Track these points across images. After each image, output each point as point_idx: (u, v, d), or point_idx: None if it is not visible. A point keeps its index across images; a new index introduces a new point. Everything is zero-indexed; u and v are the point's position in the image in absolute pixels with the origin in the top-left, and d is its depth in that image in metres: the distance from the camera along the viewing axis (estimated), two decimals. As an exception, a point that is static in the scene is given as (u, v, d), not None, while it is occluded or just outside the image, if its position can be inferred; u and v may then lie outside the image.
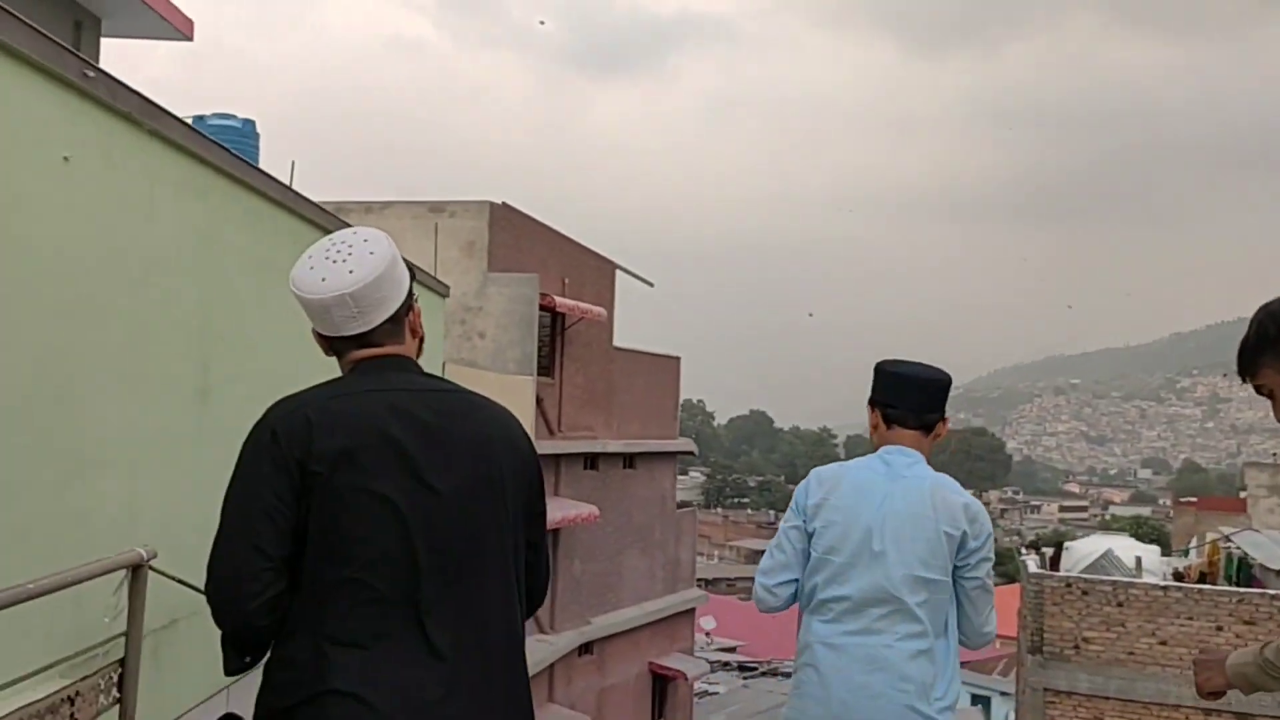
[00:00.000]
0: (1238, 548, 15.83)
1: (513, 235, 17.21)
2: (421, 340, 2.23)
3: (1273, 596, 13.30)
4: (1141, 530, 63.12)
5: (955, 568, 3.06)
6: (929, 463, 3.22)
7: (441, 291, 8.53)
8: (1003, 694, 26.63)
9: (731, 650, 39.58)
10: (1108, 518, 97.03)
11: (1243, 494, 53.00)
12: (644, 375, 22.44)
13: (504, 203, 17.17)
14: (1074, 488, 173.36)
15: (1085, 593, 14.66)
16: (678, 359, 24.55)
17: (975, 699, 28.00)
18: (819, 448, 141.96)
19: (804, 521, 3.13)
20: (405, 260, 2.20)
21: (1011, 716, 22.39)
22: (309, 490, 1.91)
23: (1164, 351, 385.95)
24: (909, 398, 3.25)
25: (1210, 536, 18.91)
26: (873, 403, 3.31)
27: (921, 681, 2.92)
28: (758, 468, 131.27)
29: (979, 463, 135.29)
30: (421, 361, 2.20)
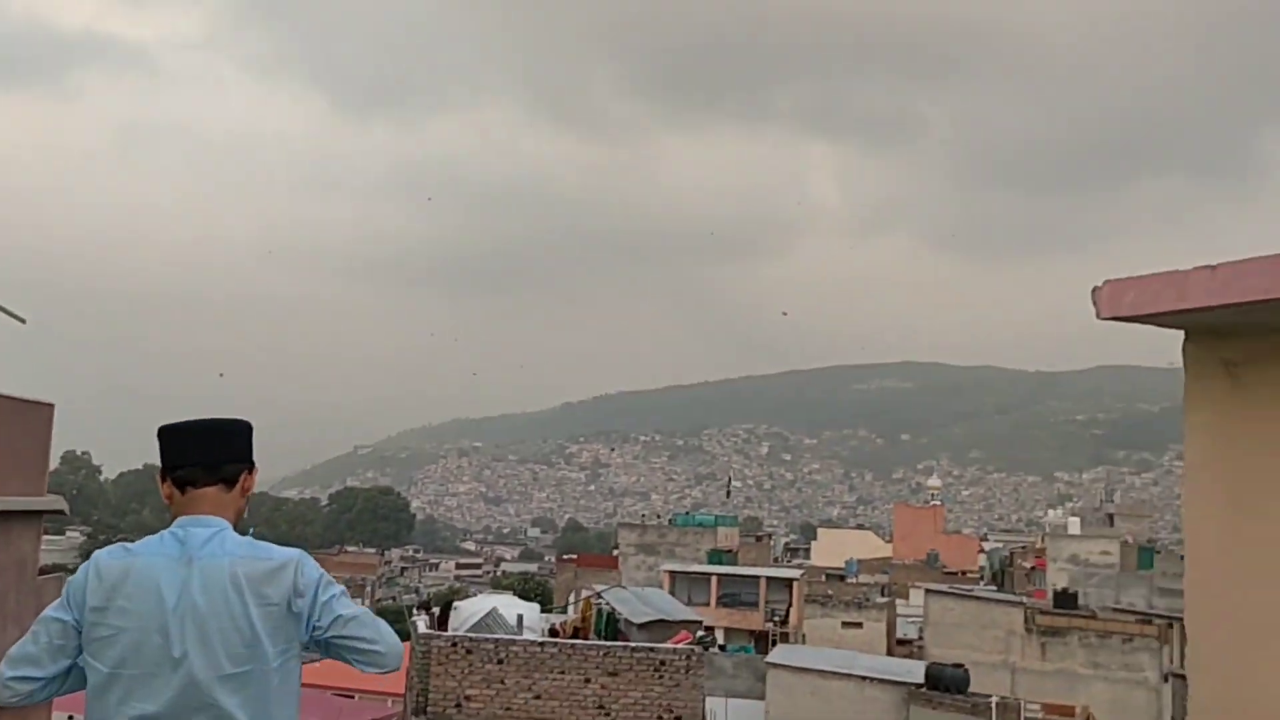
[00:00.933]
0: (607, 604, 17.28)
1: None
2: None
3: (633, 649, 14.65)
4: (528, 586, 67.49)
5: (309, 627, 2.76)
6: (240, 522, 2.87)
7: None
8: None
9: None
10: (499, 574, 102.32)
11: (615, 552, 59.02)
12: (2, 423, 19.59)
13: None
14: (470, 545, 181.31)
15: (469, 651, 15.10)
16: (50, 406, 21.79)
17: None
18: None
19: (76, 623, 2.70)
20: None
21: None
22: None
23: (556, 419, 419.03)
24: (194, 452, 2.86)
25: (585, 593, 20.51)
26: (162, 473, 2.89)
27: None
28: (148, 526, 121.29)
29: (384, 522, 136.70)
30: None
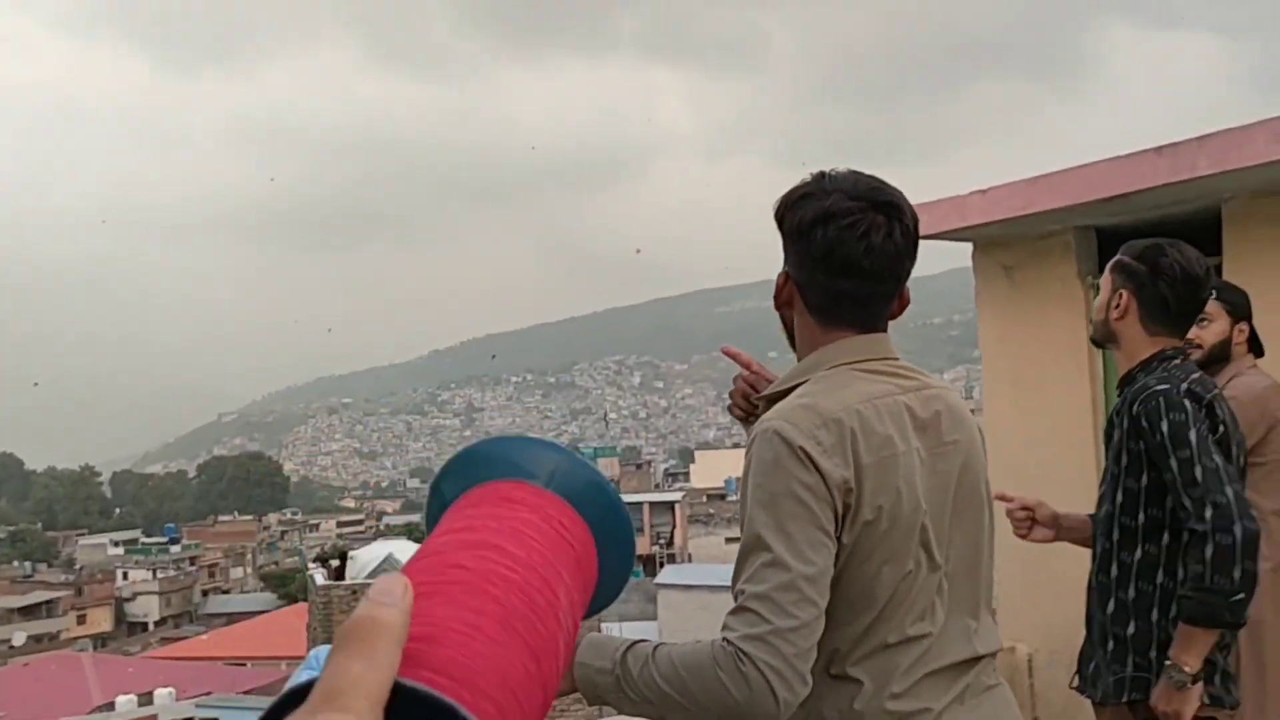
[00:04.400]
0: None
1: None
2: None
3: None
4: (416, 536, 67.62)
5: None
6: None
7: None
8: (295, 712, 26.82)
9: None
10: (383, 528, 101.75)
11: (498, 492, 59.64)
12: None
13: None
14: (350, 503, 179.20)
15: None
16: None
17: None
18: (81, 488, 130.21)
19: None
20: None
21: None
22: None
23: (425, 367, 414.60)
24: None
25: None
26: None
27: None
28: (7, 517, 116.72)
29: (258, 488, 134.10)
30: None
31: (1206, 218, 4.13)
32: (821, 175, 1.78)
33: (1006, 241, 4.84)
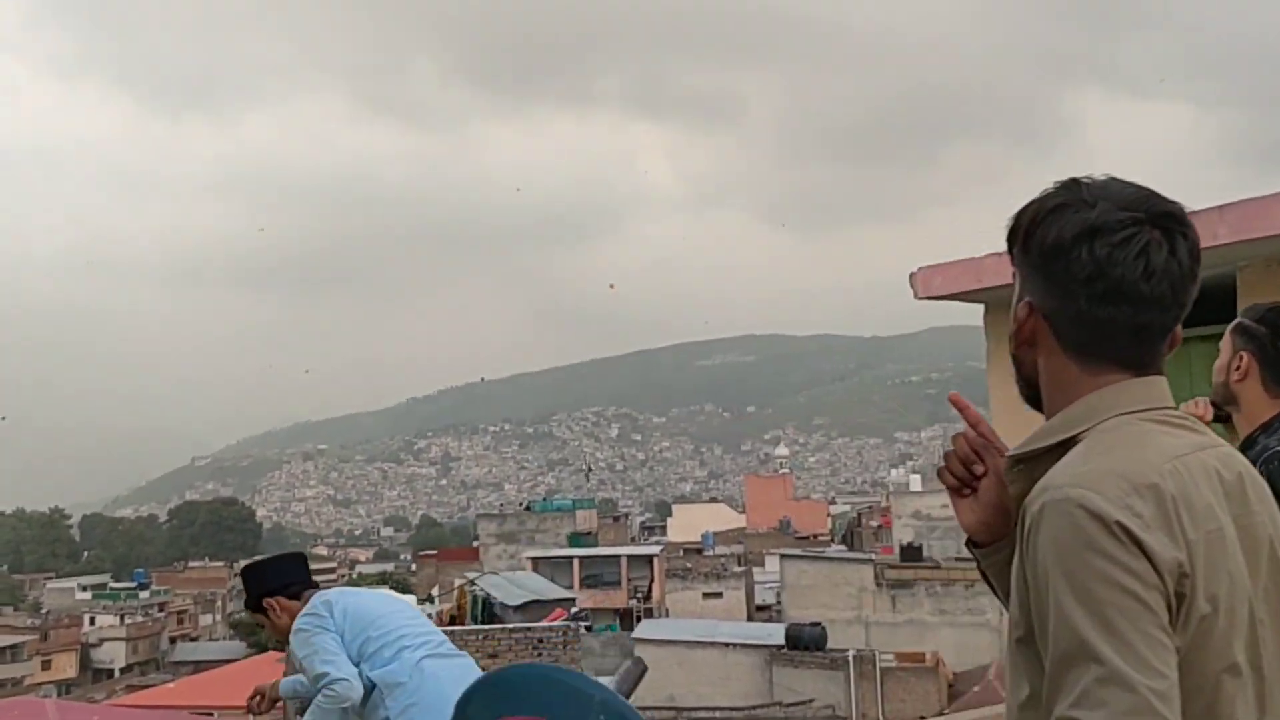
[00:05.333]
0: (481, 590, 17.75)
1: None
2: None
3: (511, 630, 15.19)
4: (389, 586, 66.86)
5: None
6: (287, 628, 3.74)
7: None
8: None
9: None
10: (355, 576, 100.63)
11: (475, 543, 59.09)
12: None
13: None
14: (322, 550, 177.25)
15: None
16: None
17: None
18: (50, 530, 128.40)
19: None
20: None
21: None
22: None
23: (402, 415, 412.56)
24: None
25: (457, 583, 20.89)
26: None
27: None
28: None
29: (230, 534, 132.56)
30: None
31: (1222, 282, 4.17)
32: (1075, 182, 1.43)
33: (1020, 304, 4.86)
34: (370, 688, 3.39)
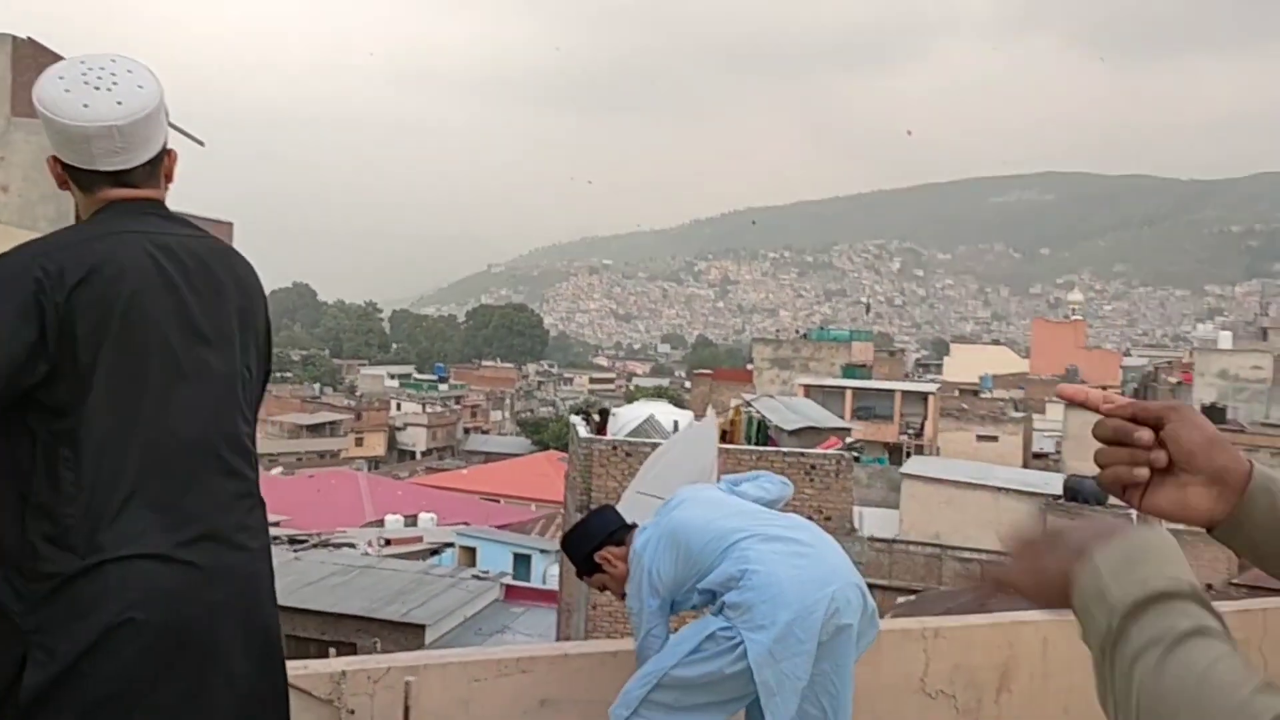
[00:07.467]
0: (756, 411, 18.01)
1: (40, 75, 15.26)
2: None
3: (785, 454, 15.38)
4: (664, 398, 69.25)
5: None
6: None
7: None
8: (542, 551, 28.37)
9: (277, 524, 38.87)
10: (632, 388, 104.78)
11: (750, 366, 59.97)
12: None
13: (29, 38, 15.14)
14: (603, 361, 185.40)
15: (629, 454, 16.04)
16: (229, 224, 23.14)
17: (517, 558, 29.60)
18: (365, 322, 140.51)
19: None
20: None
21: (553, 570, 24.05)
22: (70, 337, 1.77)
23: (685, 236, 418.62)
24: None
25: (733, 402, 21.30)
26: None
27: None
28: (300, 342, 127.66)
29: (519, 338, 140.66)
30: None
31: None
32: None
33: None
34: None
